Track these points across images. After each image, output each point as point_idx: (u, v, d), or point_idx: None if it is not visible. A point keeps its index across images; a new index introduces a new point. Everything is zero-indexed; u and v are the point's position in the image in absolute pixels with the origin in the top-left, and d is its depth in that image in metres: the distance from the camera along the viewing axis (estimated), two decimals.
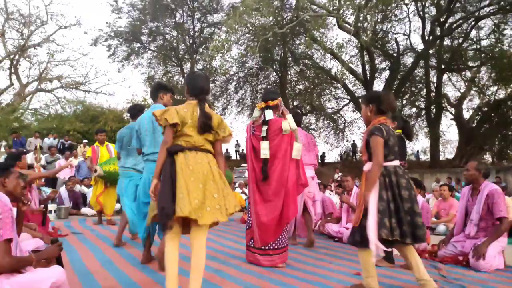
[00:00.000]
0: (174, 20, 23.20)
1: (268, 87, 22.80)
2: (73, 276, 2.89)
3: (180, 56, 23.70)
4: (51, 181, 9.53)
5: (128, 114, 3.86)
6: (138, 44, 23.42)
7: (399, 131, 3.74)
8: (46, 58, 23.21)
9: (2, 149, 12.07)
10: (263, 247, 3.46)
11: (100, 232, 5.27)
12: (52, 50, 23.45)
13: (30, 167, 6.63)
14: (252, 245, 3.53)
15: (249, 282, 2.94)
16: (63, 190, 7.67)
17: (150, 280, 2.90)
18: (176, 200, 2.23)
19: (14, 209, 2.21)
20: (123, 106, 22.61)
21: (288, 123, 3.53)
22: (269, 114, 3.57)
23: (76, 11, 48.57)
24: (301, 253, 4.19)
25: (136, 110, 4.37)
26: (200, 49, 23.56)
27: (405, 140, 3.93)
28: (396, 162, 2.73)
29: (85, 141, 13.97)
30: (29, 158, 9.74)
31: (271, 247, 3.46)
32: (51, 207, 6.52)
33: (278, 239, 3.48)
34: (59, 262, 2.45)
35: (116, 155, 4.82)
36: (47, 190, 6.94)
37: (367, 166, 2.71)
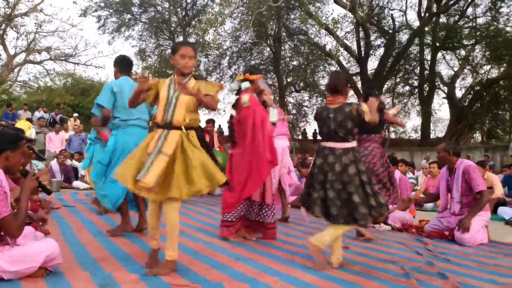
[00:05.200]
0: None
1: (262, 62, 22.51)
2: (66, 248, 2.91)
3: (172, 29, 23.16)
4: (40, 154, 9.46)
5: (115, 67, 3.65)
6: (129, 16, 22.77)
7: None
8: (34, 28, 22.41)
9: None
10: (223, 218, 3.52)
11: (92, 206, 5.28)
12: (40, 20, 22.73)
13: (30, 141, 6.53)
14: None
15: (239, 254, 2.99)
16: (54, 164, 7.64)
17: (142, 252, 2.94)
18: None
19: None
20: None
21: (248, 97, 3.41)
22: (244, 85, 3.51)
23: None
24: (291, 228, 4.27)
25: (126, 62, 3.78)
26: (193, 22, 23.01)
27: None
28: (328, 143, 2.78)
29: (75, 114, 13.78)
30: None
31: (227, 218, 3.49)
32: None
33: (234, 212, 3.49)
34: (44, 189, 2.44)
35: None
36: (38, 164, 6.89)
37: None
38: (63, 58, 23.54)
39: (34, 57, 23.41)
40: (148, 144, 2.44)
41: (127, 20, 22.94)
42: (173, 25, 23.24)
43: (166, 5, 22.78)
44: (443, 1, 18.11)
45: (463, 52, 19.64)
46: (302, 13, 16.93)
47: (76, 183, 7.70)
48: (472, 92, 19.88)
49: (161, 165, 2.31)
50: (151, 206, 2.55)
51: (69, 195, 6.37)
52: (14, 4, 21.99)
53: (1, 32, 22.12)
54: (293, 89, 24.13)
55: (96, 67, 30.61)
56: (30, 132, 9.83)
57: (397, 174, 4.98)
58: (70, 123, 12.22)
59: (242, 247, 3.23)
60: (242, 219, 3.59)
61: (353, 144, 2.79)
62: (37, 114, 12.69)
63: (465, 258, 3.20)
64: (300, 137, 23.09)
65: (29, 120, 11.21)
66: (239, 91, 3.53)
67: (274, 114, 3.68)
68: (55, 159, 7.91)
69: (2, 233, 2.18)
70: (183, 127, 2.42)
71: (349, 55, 20.69)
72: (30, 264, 2.12)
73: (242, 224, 3.61)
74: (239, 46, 22.63)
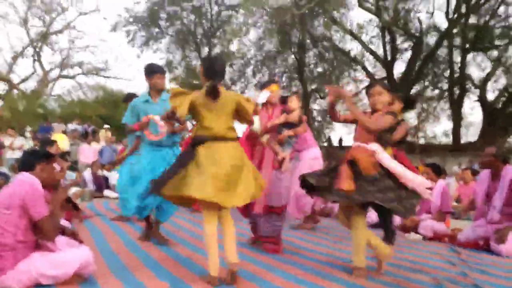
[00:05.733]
0: (191, 3, 23.09)
1: (286, 70, 22.54)
2: (98, 256, 3.01)
3: (198, 40, 23.65)
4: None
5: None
6: (157, 29, 23.49)
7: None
8: (67, 44, 23.59)
9: (28, 134, 12.45)
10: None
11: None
12: (73, 36, 23.82)
13: (64, 153, 6.81)
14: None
15: (268, 263, 3.00)
16: (87, 174, 7.92)
17: (171, 259, 3.01)
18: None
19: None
20: (143, 91, 22.89)
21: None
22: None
23: None
24: (318, 236, 4.23)
25: (147, 70, 3.68)
26: (218, 33, 23.45)
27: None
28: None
29: (106, 126, 14.27)
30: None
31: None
32: (75, 189, 6.75)
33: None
34: (73, 205, 2.58)
35: None
36: (70, 174, 7.17)
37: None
38: (94, 72, 24.50)
39: (68, 72, 24.54)
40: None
41: (155, 34, 23.66)
42: (198, 36, 23.74)
43: (192, 17, 23.34)
44: (473, 1, 17.58)
45: (495, 53, 18.94)
46: (325, 19, 16.89)
47: (106, 192, 7.94)
48: (505, 94, 19.09)
49: None
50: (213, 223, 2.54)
51: (101, 204, 6.58)
52: (49, 22, 23.18)
53: (38, 49, 23.31)
54: (318, 96, 24.01)
55: (125, 80, 31.60)
56: (64, 144, 10.26)
57: (440, 183, 4.54)
58: (102, 134, 12.64)
59: (269, 257, 3.22)
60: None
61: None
62: (71, 126, 13.22)
63: (501, 269, 3.07)
64: (325, 143, 22.87)
65: (64, 132, 11.70)
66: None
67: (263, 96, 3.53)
68: (89, 169, 8.20)
69: (39, 239, 2.31)
70: None
71: (375, 59, 20.40)
72: (66, 269, 2.23)
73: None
74: (263, 54, 22.81)
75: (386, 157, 2.62)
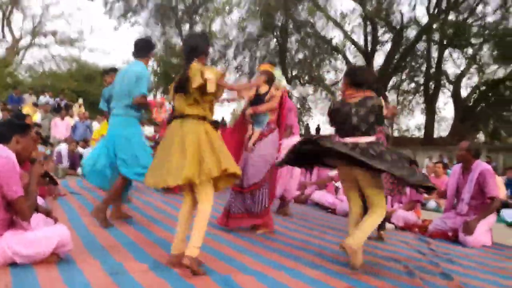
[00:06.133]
0: None
1: (268, 54, 22.41)
2: (74, 235, 2.94)
3: (179, 16, 23.05)
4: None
5: None
6: (136, 1, 22.70)
7: None
8: (40, 10, 22.42)
9: None
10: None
11: (99, 194, 5.32)
12: (47, 2, 22.69)
13: (36, 126, 6.56)
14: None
15: (243, 247, 3.03)
16: (63, 149, 7.65)
17: (148, 241, 2.99)
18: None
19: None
20: (120, 66, 22.19)
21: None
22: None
23: None
24: (294, 222, 4.30)
25: (138, 45, 3.58)
26: (200, 10, 22.91)
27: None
28: (349, 139, 2.67)
29: (80, 100, 13.80)
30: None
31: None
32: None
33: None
34: (51, 179, 2.50)
35: None
36: (42, 148, 6.93)
37: None
38: (69, 43, 23.50)
39: (40, 41, 23.40)
40: None
41: (133, 6, 22.86)
42: (180, 12, 23.12)
43: None
44: None
45: (470, 51, 19.52)
46: (310, 4, 16.81)
47: (80, 170, 7.74)
48: (477, 91, 19.78)
49: None
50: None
51: (75, 182, 6.41)
52: None
53: (7, 13, 22.05)
54: (298, 83, 24.07)
55: (101, 52, 30.50)
56: (36, 117, 9.87)
57: None
58: (75, 109, 12.24)
59: (246, 240, 3.26)
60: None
61: (373, 138, 2.70)
62: (42, 99, 12.70)
63: (468, 259, 3.23)
64: (303, 131, 23.08)
65: (35, 104, 11.23)
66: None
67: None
68: (64, 144, 7.93)
69: (14, 217, 2.23)
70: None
71: (356, 49, 20.59)
72: (42, 248, 2.16)
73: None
74: (245, 36, 22.54)
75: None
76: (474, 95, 19.93)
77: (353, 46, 20.04)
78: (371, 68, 18.06)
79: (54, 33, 22.96)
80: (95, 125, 10.03)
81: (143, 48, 3.54)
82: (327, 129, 25.29)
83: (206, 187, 2.36)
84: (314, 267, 2.63)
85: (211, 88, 2.33)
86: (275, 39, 22.46)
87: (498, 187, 3.99)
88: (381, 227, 3.72)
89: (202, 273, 2.26)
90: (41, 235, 2.18)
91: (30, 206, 2.20)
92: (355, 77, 2.77)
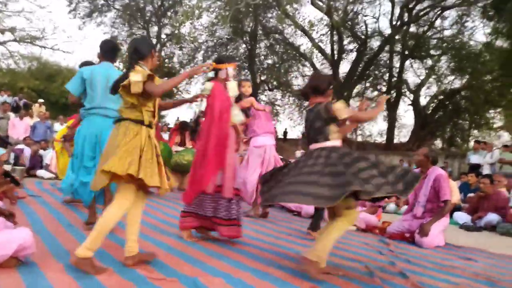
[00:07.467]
0: None
1: (237, 58, 22.51)
2: (37, 238, 2.85)
3: (147, 18, 22.69)
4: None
5: (99, 51, 3.55)
6: (102, 1, 22.10)
7: None
8: None
9: None
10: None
11: (60, 196, 5.16)
12: None
13: None
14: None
15: (212, 250, 3.06)
16: (27, 149, 7.35)
17: (114, 244, 2.95)
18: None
19: None
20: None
21: (210, 85, 3.37)
22: (210, 75, 3.54)
23: None
24: (261, 225, 4.38)
25: (108, 47, 3.59)
26: (169, 13, 22.65)
27: None
28: (313, 145, 2.69)
29: (40, 100, 13.25)
30: None
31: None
32: (6, 167, 6.26)
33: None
34: (13, 180, 2.43)
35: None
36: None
37: None
38: (29, 40, 22.47)
39: None
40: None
41: (99, 6, 22.24)
42: (148, 14, 22.77)
43: None
44: (414, 11, 18.87)
45: (429, 62, 20.57)
46: (279, 12, 17.11)
47: (40, 172, 7.45)
48: (435, 100, 20.86)
49: None
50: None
51: (34, 184, 6.17)
52: None
53: None
54: (266, 88, 24.32)
55: (64, 52, 29.37)
56: None
57: None
58: (35, 109, 11.75)
59: (214, 244, 3.29)
60: (198, 217, 3.32)
61: (335, 142, 2.65)
62: (0, 98, 12.09)
63: (423, 259, 3.43)
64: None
65: None
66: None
67: (233, 87, 3.43)
68: (27, 145, 7.60)
69: None
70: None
71: (322, 57, 21.11)
72: (2, 251, 2.09)
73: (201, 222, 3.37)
74: (215, 40, 22.53)
75: None
76: (433, 103, 21.00)
77: (320, 54, 20.53)
78: (330, 75, 18.63)
79: (12, 30, 21.87)
80: (57, 125, 9.69)
81: (111, 50, 3.51)
82: (293, 134, 25.71)
83: (123, 188, 2.42)
84: (280, 268, 2.71)
85: (134, 89, 2.34)
86: (244, 44, 22.61)
87: (451, 191, 4.26)
88: (314, 228, 3.89)
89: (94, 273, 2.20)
90: (2, 239, 2.11)
91: None
92: (311, 84, 2.80)
